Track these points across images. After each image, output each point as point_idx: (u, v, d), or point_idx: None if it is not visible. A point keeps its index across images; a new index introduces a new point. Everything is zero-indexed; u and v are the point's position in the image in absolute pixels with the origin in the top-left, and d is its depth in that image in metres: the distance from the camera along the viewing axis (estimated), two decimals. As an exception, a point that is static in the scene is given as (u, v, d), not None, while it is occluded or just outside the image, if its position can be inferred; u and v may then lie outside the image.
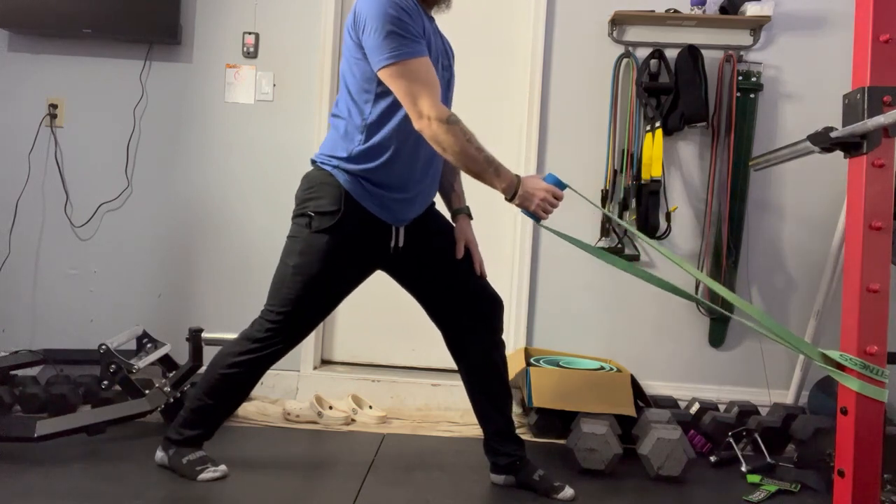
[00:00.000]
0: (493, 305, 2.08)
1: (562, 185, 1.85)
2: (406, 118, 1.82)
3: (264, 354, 1.98)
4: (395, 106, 1.85)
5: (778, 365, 2.98)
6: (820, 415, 2.55)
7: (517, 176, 1.81)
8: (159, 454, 2.09)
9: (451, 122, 1.75)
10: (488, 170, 1.77)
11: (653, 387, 2.98)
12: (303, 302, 1.94)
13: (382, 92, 1.84)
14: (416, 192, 1.96)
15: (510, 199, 1.81)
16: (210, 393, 2.01)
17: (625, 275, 2.98)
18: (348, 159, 1.90)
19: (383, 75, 1.77)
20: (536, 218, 1.84)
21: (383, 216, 1.93)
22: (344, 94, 1.93)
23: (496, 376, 2.08)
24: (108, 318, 3.06)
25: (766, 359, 2.99)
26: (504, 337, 2.12)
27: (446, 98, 1.99)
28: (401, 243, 1.98)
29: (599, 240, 3.00)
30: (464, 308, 2.06)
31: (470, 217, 2.11)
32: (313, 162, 2.00)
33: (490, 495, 2.06)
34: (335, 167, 1.92)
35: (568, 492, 2.01)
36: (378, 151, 1.89)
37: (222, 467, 2.04)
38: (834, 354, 1.61)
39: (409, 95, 1.75)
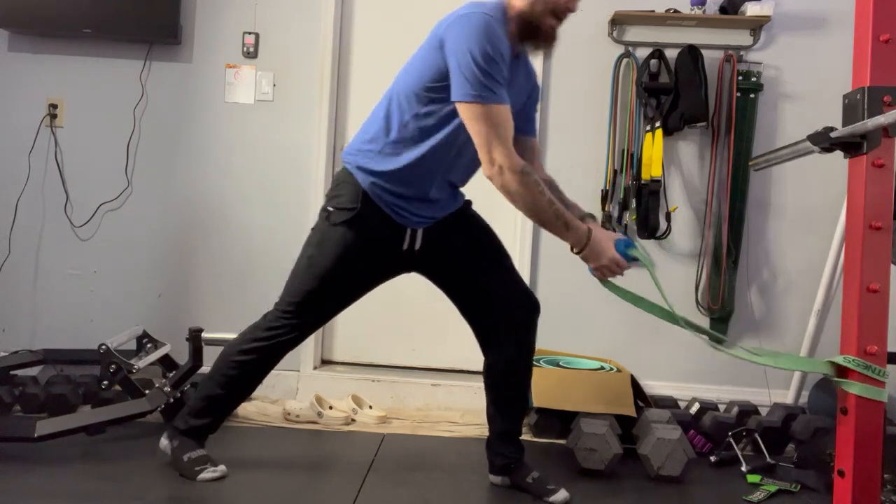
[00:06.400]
0: (526, 310, 2.05)
1: (628, 257, 1.83)
2: (444, 144, 1.83)
3: (275, 343, 1.98)
4: (437, 127, 1.82)
5: (778, 365, 2.98)
6: (820, 415, 2.55)
7: (588, 231, 1.80)
8: (164, 441, 2.10)
9: (525, 174, 1.73)
10: (556, 223, 1.78)
11: (653, 387, 2.98)
12: (315, 294, 1.95)
13: (431, 111, 1.82)
14: (434, 203, 1.93)
15: (577, 252, 1.82)
16: (220, 382, 2.02)
17: (625, 275, 2.98)
18: (369, 160, 1.90)
19: (461, 108, 1.74)
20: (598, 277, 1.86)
21: (396, 218, 1.92)
22: (393, 90, 1.90)
23: (514, 382, 2.07)
24: (108, 318, 3.06)
25: (766, 359, 2.99)
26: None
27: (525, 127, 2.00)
28: (417, 245, 1.96)
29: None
30: (494, 309, 2.03)
31: (594, 219, 2.00)
32: (343, 159, 1.99)
33: (490, 495, 2.06)
34: (356, 168, 1.91)
35: (561, 495, 1.99)
36: (401, 162, 1.86)
37: (222, 467, 2.04)
38: (838, 359, 1.61)
39: (486, 141, 1.72)
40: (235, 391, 2.05)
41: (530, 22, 1.83)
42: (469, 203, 2.08)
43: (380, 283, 2.05)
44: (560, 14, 1.84)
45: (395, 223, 1.92)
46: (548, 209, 1.77)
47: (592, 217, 1.99)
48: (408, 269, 2.05)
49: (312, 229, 2.00)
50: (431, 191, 1.90)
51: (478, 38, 1.69)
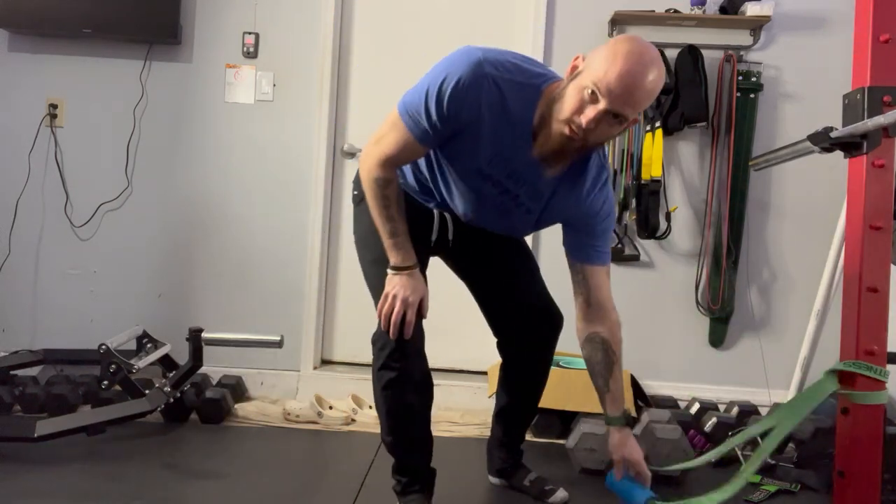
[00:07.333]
0: (546, 323, 2.00)
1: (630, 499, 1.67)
2: (435, 178, 1.72)
3: (390, 351, 1.70)
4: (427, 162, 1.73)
5: (778, 365, 2.98)
6: (820, 415, 2.55)
7: (411, 267, 1.67)
8: None
9: (376, 182, 1.64)
10: (384, 237, 1.67)
11: (653, 387, 2.98)
12: (377, 280, 1.74)
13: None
14: (444, 202, 1.79)
15: (388, 268, 1.68)
16: (385, 426, 1.75)
17: (625, 274, 2.99)
18: None
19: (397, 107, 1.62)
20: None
21: (415, 196, 1.81)
22: None
23: (524, 394, 2.05)
24: (108, 318, 3.06)
25: (766, 359, 2.99)
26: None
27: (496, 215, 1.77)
28: (449, 233, 1.84)
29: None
30: (513, 318, 1.98)
31: (627, 425, 1.79)
32: None
33: (490, 496, 2.06)
34: None
35: (560, 495, 1.99)
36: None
37: None
38: (839, 366, 1.61)
39: (375, 137, 1.65)
40: (406, 422, 1.75)
41: (543, 115, 1.60)
42: None
43: (427, 254, 1.84)
44: (572, 127, 1.56)
45: (417, 202, 1.80)
46: (383, 222, 1.66)
47: (623, 423, 1.79)
48: (438, 252, 1.91)
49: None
50: (437, 198, 1.79)
51: (443, 73, 1.51)
